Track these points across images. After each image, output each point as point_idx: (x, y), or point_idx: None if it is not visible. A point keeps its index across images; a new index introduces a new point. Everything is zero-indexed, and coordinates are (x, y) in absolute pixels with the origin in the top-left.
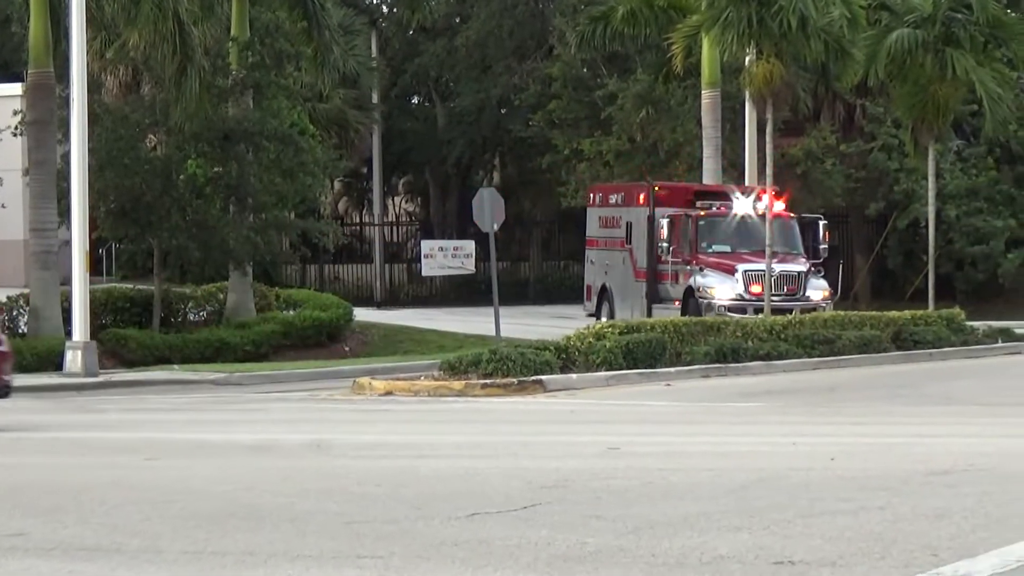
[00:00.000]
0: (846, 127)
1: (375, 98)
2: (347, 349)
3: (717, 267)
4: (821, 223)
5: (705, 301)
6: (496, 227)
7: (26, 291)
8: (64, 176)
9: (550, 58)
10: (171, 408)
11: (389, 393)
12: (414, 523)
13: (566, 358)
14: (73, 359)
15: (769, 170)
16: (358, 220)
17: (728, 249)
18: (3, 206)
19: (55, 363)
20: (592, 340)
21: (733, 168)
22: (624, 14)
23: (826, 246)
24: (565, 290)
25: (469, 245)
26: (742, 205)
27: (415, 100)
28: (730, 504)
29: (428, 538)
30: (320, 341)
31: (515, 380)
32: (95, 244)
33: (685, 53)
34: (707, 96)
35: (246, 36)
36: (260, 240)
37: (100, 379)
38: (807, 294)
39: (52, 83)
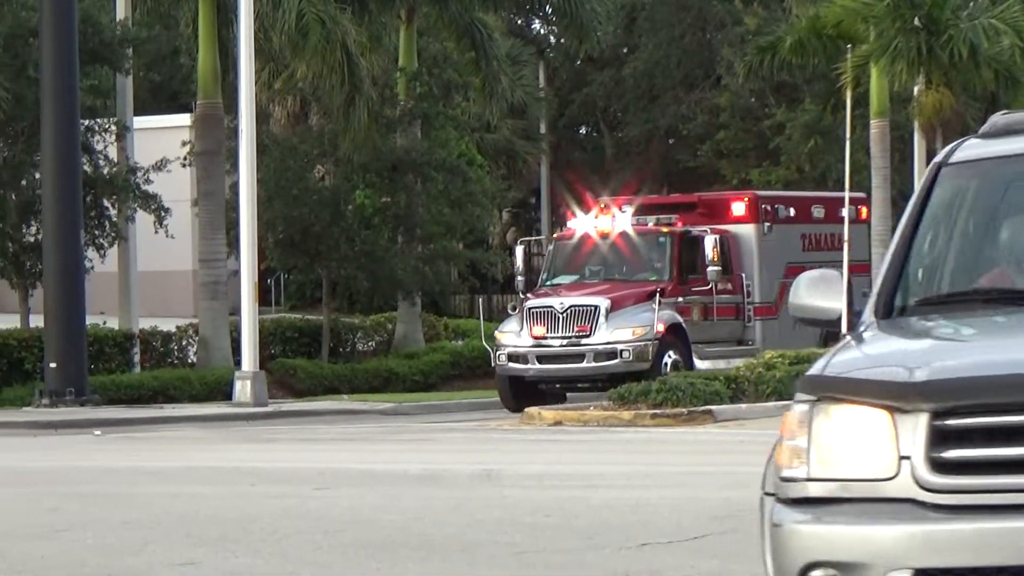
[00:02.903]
0: None
1: (543, 128)
2: None
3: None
4: (707, 239)
5: (497, 352)
6: None
7: (195, 321)
8: (233, 206)
9: (718, 88)
10: (340, 438)
11: (558, 423)
12: (584, 553)
13: (736, 388)
14: (242, 389)
15: None
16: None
17: (575, 279)
18: (172, 237)
19: (224, 392)
20: (762, 370)
21: (903, 199)
22: (792, 44)
23: (717, 268)
24: None
25: None
26: (621, 221)
27: (583, 130)
28: None
29: (599, 568)
30: (489, 371)
31: (685, 410)
32: (263, 274)
33: (854, 83)
34: (875, 126)
35: (414, 66)
36: (428, 270)
37: (269, 409)
38: (603, 335)
39: (220, 114)
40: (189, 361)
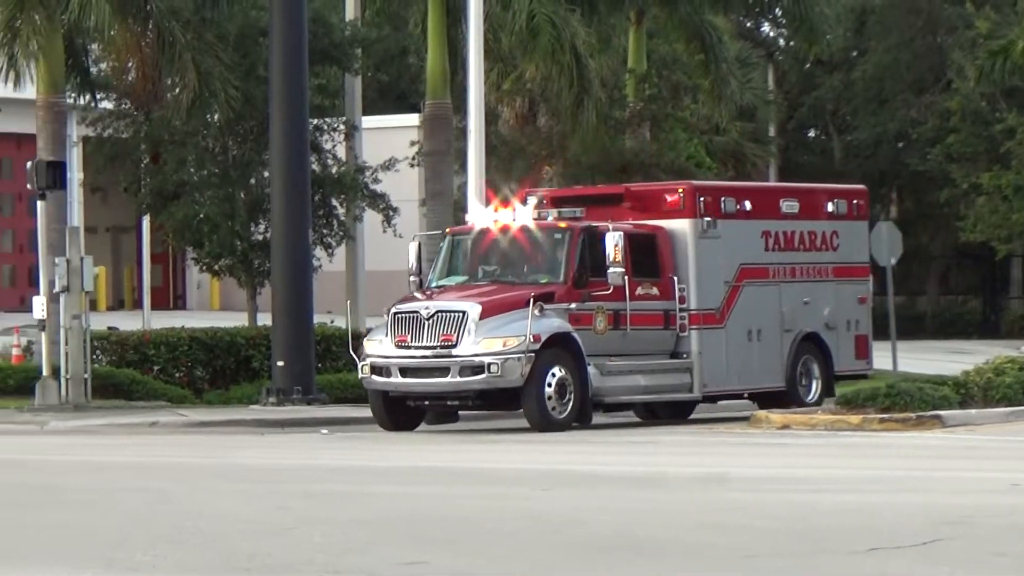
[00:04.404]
0: None
1: (771, 131)
2: None
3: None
4: (609, 235)
5: (361, 363)
6: (894, 261)
7: None
8: (460, 207)
9: (948, 92)
10: (564, 440)
11: (786, 427)
12: (812, 557)
13: (964, 393)
14: None
15: None
16: None
17: (463, 280)
18: (400, 236)
19: None
20: (991, 375)
21: None
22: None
23: (619, 269)
24: (963, 324)
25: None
26: (522, 215)
27: (811, 133)
28: None
29: (827, 573)
30: None
31: (913, 415)
32: None
33: None
34: None
35: (643, 68)
36: None
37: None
38: (469, 345)
39: (449, 114)
40: None
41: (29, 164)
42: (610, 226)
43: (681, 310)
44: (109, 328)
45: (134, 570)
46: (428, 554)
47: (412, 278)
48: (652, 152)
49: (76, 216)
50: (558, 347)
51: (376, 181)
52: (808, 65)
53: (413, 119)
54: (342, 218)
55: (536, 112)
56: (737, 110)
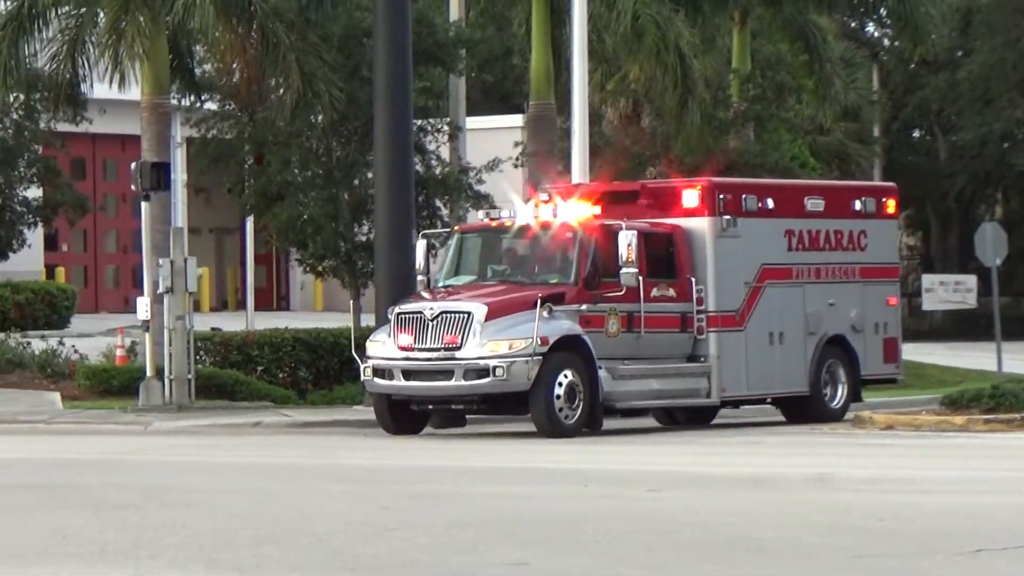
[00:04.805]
0: None
1: (876, 131)
2: None
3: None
4: (622, 234)
5: (364, 364)
6: (999, 261)
7: None
8: None
9: None
10: (668, 441)
11: (890, 427)
12: (918, 559)
13: None
14: None
15: None
16: None
17: (471, 279)
18: None
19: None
20: None
21: None
22: None
23: (633, 270)
24: None
25: (971, 280)
26: (523, 214)
27: (916, 133)
28: None
29: (932, 574)
30: None
31: (1018, 416)
32: None
33: None
34: None
35: (747, 68)
36: None
37: None
38: (474, 347)
39: (553, 115)
40: None
41: (133, 165)
42: (624, 224)
43: (699, 312)
44: (212, 329)
45: (239, 570)
46: (532, 554)
47: (420, 277)
48: (756, 152)
49: (180, 217)
50: (567, 350)
51: (480, 182)
52: (913, 65)
53: (517, 120)
54: (446, 219)
55: (640, 113)
56: (841, 110)
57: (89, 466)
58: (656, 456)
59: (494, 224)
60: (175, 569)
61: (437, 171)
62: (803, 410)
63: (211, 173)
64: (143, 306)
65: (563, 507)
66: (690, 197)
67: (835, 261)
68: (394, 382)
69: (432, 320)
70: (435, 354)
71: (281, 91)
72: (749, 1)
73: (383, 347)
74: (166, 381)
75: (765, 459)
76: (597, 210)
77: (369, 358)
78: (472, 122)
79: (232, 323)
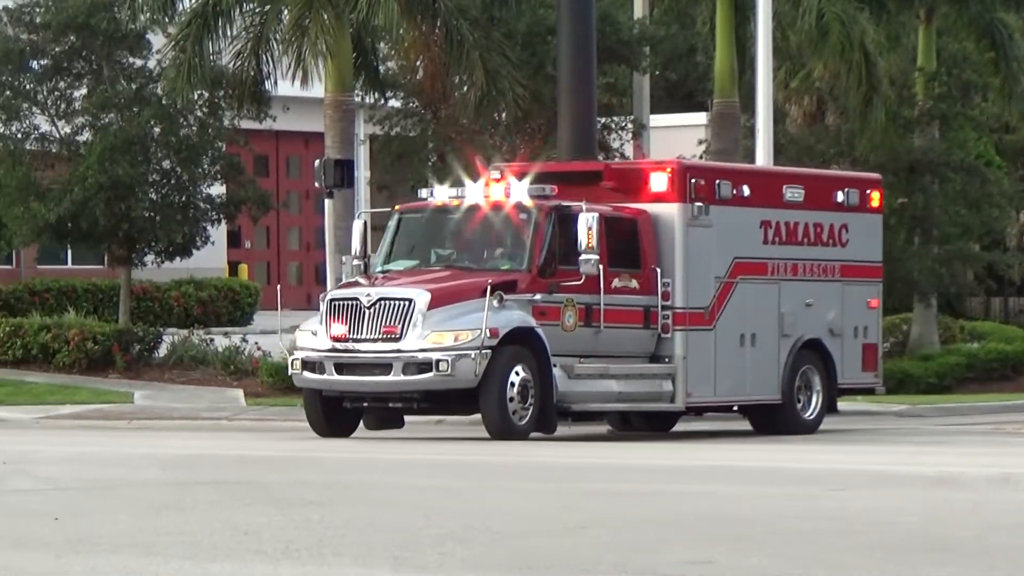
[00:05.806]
0: None
1: None
2: None
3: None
4: (582, 216)
5: (292, 357)
6: None
7: None
8: None
9: None
10: (848, 440)
11: None
12: None
13: None
14: None
15: None
16: None
17: (413, 264)
18: None
19: None
20: None
21: None
22: None
23: (593, 256)
24: None
25: None
26: (472, 193)
27: None
28: None
29: None
30: (1005, 374)
31: None
32: None
33: None
34: None
35: (933, 66)
36: (945, 272)
37: None
38: (415, 339)
39: (737, 113)
40: None
41: (317, 162)
42: (584, 206)
43: (664, 307)
44: None
45: (423, 569)
46: (718, 553)
47: (355, 262)
48: (941, 151)
49: None
50: (519, 344)
51: None
52: None
53: (700, 118)
54: None
55: (824, 111)
56: None
57: (271, 463)
58: (838, 455)
59: (439, 203)
60: (360, 566)
61: None
62: (773, 420)
63: (394, 170)
64: None
65: (752, 506)
66: (658, 180)
67: (814, 257)
68: (325, 376)
69: (369, 308)
70: (372, 346)
71: (465, 88)
72: None
73: (314, 338)
74: None
75: (950, 458)
76: (554, 190)
77: (298, 349)
78: (656, 120)
79: None
